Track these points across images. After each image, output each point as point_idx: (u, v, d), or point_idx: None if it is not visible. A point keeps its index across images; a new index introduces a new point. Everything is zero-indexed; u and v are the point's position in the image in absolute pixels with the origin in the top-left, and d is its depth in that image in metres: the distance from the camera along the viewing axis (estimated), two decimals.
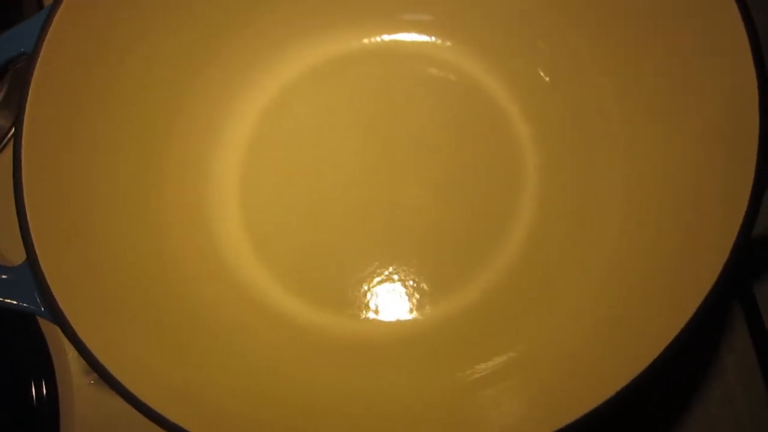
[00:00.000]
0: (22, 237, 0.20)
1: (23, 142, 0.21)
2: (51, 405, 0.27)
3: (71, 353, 0.28)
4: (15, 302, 0.20)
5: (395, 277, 0.26)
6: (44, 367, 0.27)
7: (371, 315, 0.26)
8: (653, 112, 0.23)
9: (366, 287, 0.26)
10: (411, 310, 0.26)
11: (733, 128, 0.20)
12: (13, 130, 0.31)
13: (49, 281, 0.20)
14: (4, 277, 0.20)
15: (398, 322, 0.26)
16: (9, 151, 0.31)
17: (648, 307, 0.21)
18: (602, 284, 0.23)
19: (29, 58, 0.21)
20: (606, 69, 0.25)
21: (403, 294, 0.26)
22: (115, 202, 0.25)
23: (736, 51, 0.20)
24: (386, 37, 0.29)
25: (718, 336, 0.26)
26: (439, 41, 0.29)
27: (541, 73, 0.27)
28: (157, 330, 0.23)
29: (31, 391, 0.27)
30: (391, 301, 0.26)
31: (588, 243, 0.25)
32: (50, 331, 0.28)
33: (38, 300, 0.20)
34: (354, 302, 0.26)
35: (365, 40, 0.29)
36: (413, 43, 0.29)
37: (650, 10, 0.23)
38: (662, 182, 0.23)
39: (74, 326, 0.19)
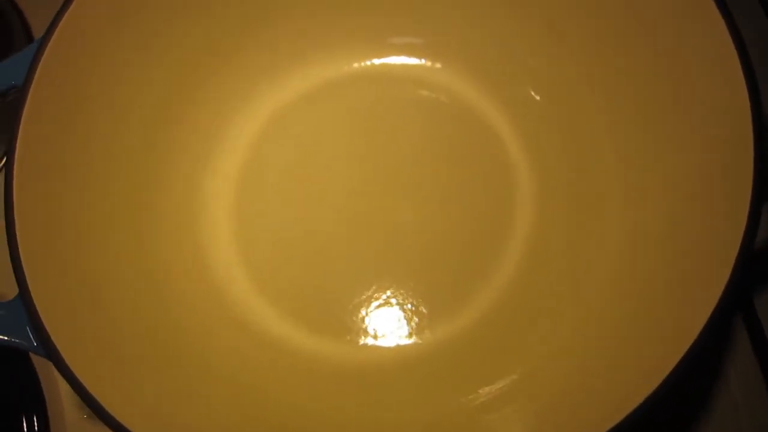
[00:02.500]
0: (14, 270, 0.20)
1: (15, 176, 0.21)
2: None
3: (64, 387, 0.28)
4: (6, 338, 0.20)
5: (393, 300, 0.26)
6: (36, 401, 0.27)
7: (369, 340, 0.26)
8: (647, 129, 0.23)
9: (364, 312, 0.26)
10: (410, 334, 0.25)
11: (729, 145, 0.20)
12: (4, 160, 0.31)
13: (41, 316, 0.19)
14: None
15: (397, 347, 0.25)
16: None
17: (653, 324, 0.20)
18: (603, 302, 0.23)
19: (19, 92, 0.21)
20: (598, 88, 0.25)
21: (402, 318, 0.26)
22: (108, 232, 0.24)
23: (727, 65, 0.20)
24: (377, 61, 0.29)
25: (721, 349, 0.26)
26: (429, 63, 0.29)
27: (533, 93, 0.27)
28: (152, 362, 0.22)
29: (23, 426, 0.26)
30: (389, 326, 0.26)
31: (587, 260, 0.24)
32: (42, 364, 0.28)
33: (30, 335, 0.19)
34: (352, 327, 0.26)
35: (356, 64, 0.29)
36: (404, 66, 0.29)
37: (640, 29, 0.23)
38: (660, 198, 0.23)
39: (67, 361, 0.19)
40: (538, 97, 0.27)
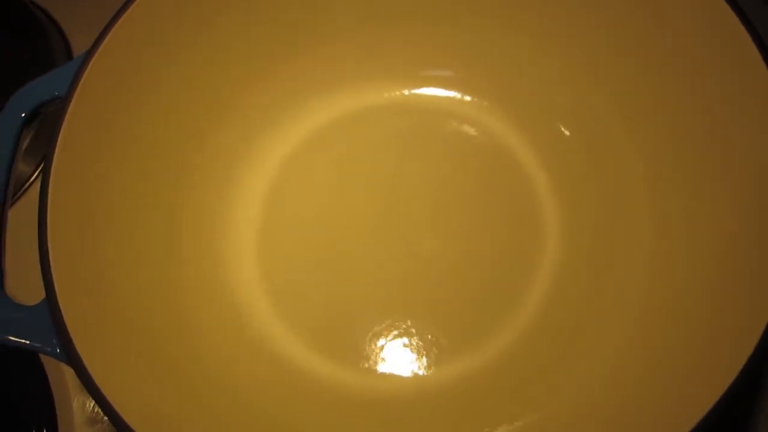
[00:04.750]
0: (43, 277, 0.20)
1: (50, 182, 0.21)
2: None
3: (75, 402, 0.28)
4: (28, 342, 0.20)
5: (413, 330, 0.26)
6: (46, 415, 0.27)
7: (388, 369, 0.25)
8: (678, 170, 0.23)
9: (383, 341, 0.26)
10: (429, 365, 0.25)
11: (762, 191, 0.20)
12: (34, 176, 0.32)
13: (66, 322, 0.19)
14: (19, 315, 0.20)
15: (415, 377, 0.25)
16: (27, 196, 0.31)
17: (678, 369, 0.20)
18: (627, 345, 0.23)
19: (63, 101, 0.22)
20: (628, 125, 0.25)
21: (421, 348, 0.25)
22: (134, 250, 0.24)
23: (765, 114, 0.20)
24: (406, 92, 0.30)
25: (752, 401, 0.25)
26: (458, 96, 0.29)
27: (562, 128, 0.28)
28: (173, 380, 0.22)
29: None
30: (408, 356, 0.25)
31: (611, 300, 0.24)
32: (55, 378, 0.28)
33: (53, 341, 0.19)
34: (370, 356, 0.25)
35: (385, 94, 0.30)
36: (433, 97, 0.29)
37: (675, 68, 0.23)
38: (689, 241, 0.22)
39: (89, 369, 0.18)
40: (567, 132, 0.28)
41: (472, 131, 0.29)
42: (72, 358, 0.19)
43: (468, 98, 0.29)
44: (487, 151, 0.28)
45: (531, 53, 0.27)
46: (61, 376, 0.28)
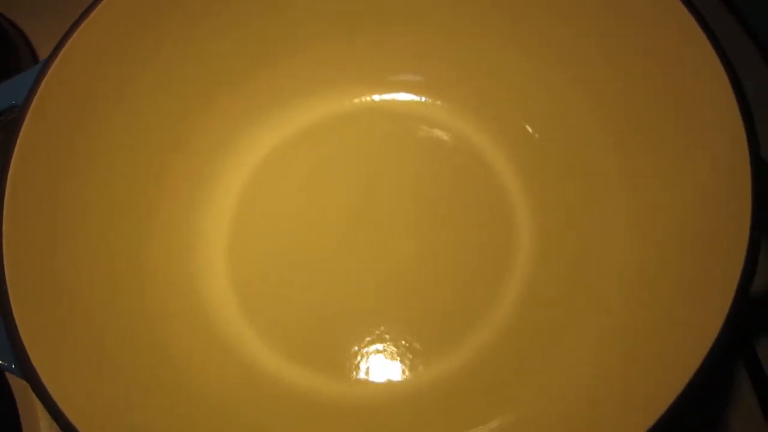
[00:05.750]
0: None
1: (6, 193, 0.21)
2: None
3: (43, 422, 0.27)
4: None
5: (387, 336, 0.25)
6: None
7: (362, 376, 0.25)
8: (652, 168, 0.23)
9: (356, 347, 0.25)
10: (404, 371, 0.25)
11: (730, 183, 0.20)
12: None
13: (22, 335, 0.19)
14: None
15: (389, 383, 0.25)
16: None
17: (649, 367, 0.20)
18: (600, 343, 0.22)
19: (20, 109, 0.21)
20: (600, 127, 0.25)
21: (395, 354, 0.25)
22: (98, 259, 0.24)
23: (728, 112, 0.20)
24: (377, 98, 0.30)
25: (725, 399, 0.25)
26: (429, 101, 0.29)
27: (532, 131, 0.28)
28: (140, 392, 0.21)
29: None
30: (382, 362, 0.25)
31: (585, 301, 0.24)
32: (23, 398, 0.27)
33: (9, 355, 0.19)
34: (344, 363, 0.25)
35: (356, 100, 0.30)
36: (404, 102, 0.29)
37: (644, 69, 0.23)
38: (664, 237, 0.22)
39: (46, 384, 0.18)
40: (537, 135, 0.27)
41: (443, 136, 0.29)
42: (27, 371, 0.18)
43: (439, 103, 0.29)
44: (459, 156, 0.28)
45: (500, 57, 0.27)
46: (28, 395, 0.27)
